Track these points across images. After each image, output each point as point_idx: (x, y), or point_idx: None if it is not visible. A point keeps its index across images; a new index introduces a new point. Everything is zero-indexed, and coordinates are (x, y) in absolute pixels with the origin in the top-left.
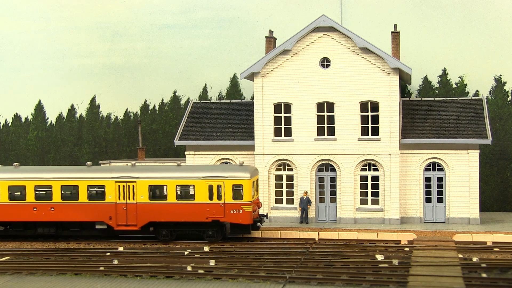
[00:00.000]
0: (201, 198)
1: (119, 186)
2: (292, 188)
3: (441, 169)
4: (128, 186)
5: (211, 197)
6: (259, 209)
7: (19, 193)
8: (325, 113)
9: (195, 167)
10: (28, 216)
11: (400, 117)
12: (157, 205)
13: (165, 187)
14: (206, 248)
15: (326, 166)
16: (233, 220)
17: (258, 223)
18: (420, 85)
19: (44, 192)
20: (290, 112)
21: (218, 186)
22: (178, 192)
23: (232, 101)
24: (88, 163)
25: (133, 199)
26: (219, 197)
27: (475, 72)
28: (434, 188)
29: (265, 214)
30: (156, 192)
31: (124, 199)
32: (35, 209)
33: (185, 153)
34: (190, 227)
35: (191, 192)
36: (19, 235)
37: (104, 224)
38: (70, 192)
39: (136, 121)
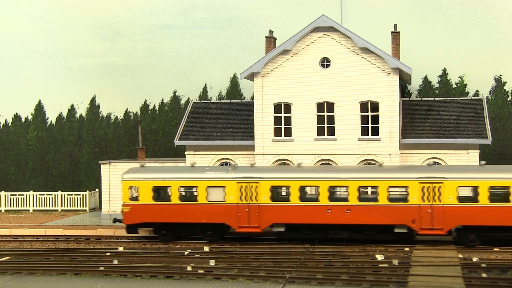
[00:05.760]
0: None
1: (423, 187)
2: None
3: None
4: (434, 187)
5: None
6: None
7: (310, 193)
8: (325, 113)
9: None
10: (321, 219)
11: (400, 117)
12: (468, 207)
13: (475, 188)
14: (206, 248)
15: None
16: None
17: None
18: (420, 85)
19: (340, 193)
20: (290, 112)
21: None
22: (492, 193)
23: (232, 101)
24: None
25: (439, 200)
26: None
27: (475, 72)
28: None
29: None
30: (466, 193)
31: (429, 201)
32: (328, 211)
33: (185, 153)
34: (505, 232)
35: (506, 194)
36: (307, 239)
37: (404, 228)
38: (368, 193)
39: (136, 121)
